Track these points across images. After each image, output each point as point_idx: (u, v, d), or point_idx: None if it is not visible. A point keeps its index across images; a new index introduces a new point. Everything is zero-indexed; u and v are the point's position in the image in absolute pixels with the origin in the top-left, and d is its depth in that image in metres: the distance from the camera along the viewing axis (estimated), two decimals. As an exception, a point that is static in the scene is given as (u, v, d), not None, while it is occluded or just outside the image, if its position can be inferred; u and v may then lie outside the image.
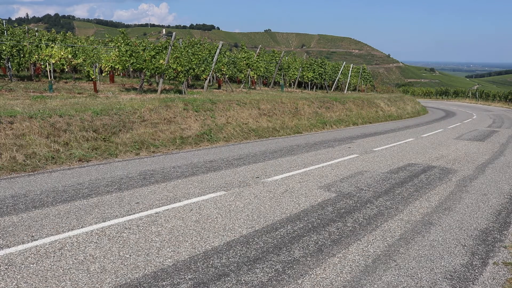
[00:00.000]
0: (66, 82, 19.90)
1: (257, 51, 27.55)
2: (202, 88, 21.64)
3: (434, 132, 17.26)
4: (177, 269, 4.01)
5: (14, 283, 3.63)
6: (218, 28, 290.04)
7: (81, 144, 9.02)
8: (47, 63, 17.92)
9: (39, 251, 4.28)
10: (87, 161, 8.55)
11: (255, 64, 25.32)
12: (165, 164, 8.62)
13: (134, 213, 5.50)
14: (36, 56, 18.40)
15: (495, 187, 7.84)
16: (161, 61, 17.02)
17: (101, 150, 9.10)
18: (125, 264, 4.07)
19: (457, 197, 6.99)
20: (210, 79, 24.95)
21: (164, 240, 4.68)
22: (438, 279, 4.04)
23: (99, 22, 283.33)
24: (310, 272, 4.07)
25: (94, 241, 4.58)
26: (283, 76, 31.15)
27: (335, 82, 35.80)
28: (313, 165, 9.16)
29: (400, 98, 29.73)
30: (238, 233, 4.97)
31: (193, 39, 25.54)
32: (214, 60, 20.71)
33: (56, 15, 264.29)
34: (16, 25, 24.61)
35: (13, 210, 5.45)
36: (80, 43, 25.15)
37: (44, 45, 18.64)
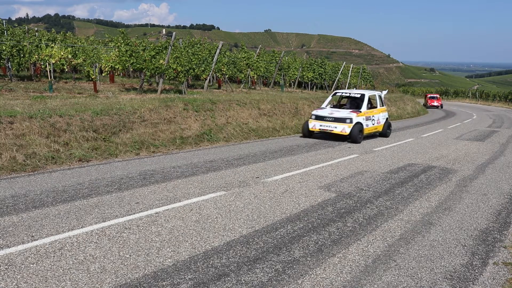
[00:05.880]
0: (66, 82, 19.90)
1: (257, 51, 27.56)
2: (202, 88, 21.64)
3: (434, 132, 17.26)
4: (177, 269, 4.01)
5: (14, 283, 3.63)
6: (218, 28, 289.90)
7: (81, 144, 9.02)
8: (47, 63, 17.92)
9: (39, 251, 4.28)
10: (87, 161, 8.55)
11: (255, 64, 25.32)
12: (165, 164, 8.62)
13: (134, 213, 5.50)
14: (36, 56, 18.41)
15: (495, 187, 7.84)
16: (161, 61, 17.02)
17: (101, 150, 9.10)
18: (125, 264, 4.07)
19: (457, 197, 6.99)
20: (210, 79, 24.94)
21: (164, 240, 4.68)
22: (438, 279, 4.04)
23: (99, 22, 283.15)
24: (310, 272, 4.07)
25: (94, 241, 4.58)
26: (283, 76, 31.15)
27: (335, 82, 35.80)
28: (313, 165, 9.16)
29: (400, 98, 29.73)
30: (238, 233, 4.97)
31: (193, 39, 25.54)
32: (214, 60, 20.71)
33: (56, 15, 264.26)
34: (16, 25, 24.66)
35: (13, 210, 5.45)
36: (80, 43, 25.15)
37: (44, 45, 18.64)
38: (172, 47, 17.39)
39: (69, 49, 18.89)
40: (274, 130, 14.40)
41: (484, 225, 5.67)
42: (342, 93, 14.78)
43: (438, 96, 42.51)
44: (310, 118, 13.74)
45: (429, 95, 42.87)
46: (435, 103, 40.08)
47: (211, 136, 11.91)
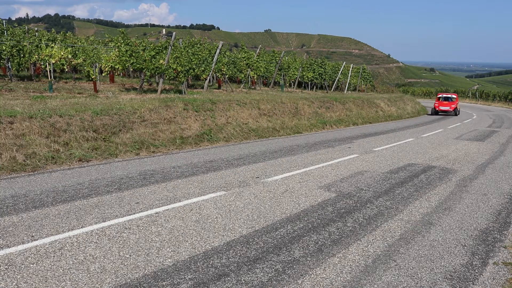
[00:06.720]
0: (66, 82, 19.89)
1: (257, 51, 27.55)
2: (202, 88, 21.64)
3: (434, 132, 17.25)
4: (177, 269, 4.01)
5: (14, 283, 3.63)
6: (218, 28, 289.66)
7: (81, 144, 9.02)
8: (47, 63, 17.91)
9: (39, 251, 4.28)
10: (87, 161, 8.55)
11: (255, 64, 25.32)
12: (165, 164, 8.62)
13: (134, 213, 5.50)
14: (36, 56, 18.40)
15: (495, 187, 7.84)
16: (161, 61, 17.02)
17: (101, 150, 9.10)
18: (125, 264, 4.07)
19: (457, 197, 6.99)
20: (210, 79, 24.94)
21: (164, 240, 4.68)
22: (438, 279, 4.04)
23: (99, 22, 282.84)
24: (310, 272, 4.07)
25: (94, 241, 4.58)
26: (283, 76, 31.15)
27: (335, 82, 35.81)
28: (313, 165, 9.16)
29: (400, 98, 29.72)
30: (238, 233, 4.97)
31: (193, 39, 25.56)
32: (214, 60, 20.71)
33: (56, 15, 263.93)
34: (16, 25, 24.61)
35: (13, 210, 5.45)
36: (80, 43, 25.14)
37: (44, 45, 18.64)
38: (172, 47, 17.39)
39: (69, 49, 18.88)
40: (274, 130, 14.40)
41: (484, 225, 5.67)
42: None
43: (455, 96, 30.77)
44: None
45: (439, 95, 31.27)
46: (447, 107, 28.48)
47: (211, 136, 11.91)
